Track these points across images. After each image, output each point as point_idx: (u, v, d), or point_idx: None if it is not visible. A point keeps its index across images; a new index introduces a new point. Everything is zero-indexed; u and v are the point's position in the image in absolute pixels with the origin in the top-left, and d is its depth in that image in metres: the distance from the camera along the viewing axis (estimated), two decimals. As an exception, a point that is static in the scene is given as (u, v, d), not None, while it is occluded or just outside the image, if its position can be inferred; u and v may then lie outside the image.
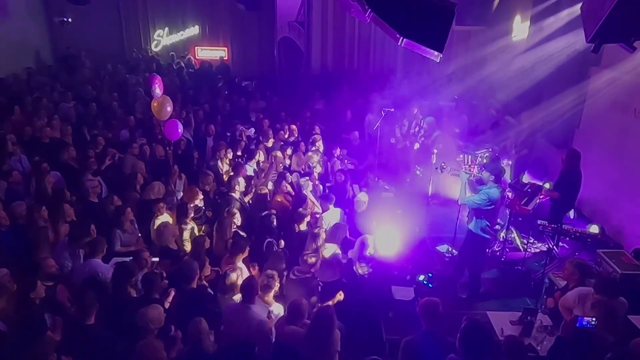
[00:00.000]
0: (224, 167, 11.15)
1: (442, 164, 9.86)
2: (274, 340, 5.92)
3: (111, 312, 5.99)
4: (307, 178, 10.27)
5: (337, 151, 12.32)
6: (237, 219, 8.48)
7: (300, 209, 8.82)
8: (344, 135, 13.97)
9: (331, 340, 5.56)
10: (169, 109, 10.78)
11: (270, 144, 12.57)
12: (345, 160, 12.35)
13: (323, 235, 7.91)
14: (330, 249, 7.69)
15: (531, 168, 12.52)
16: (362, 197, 9.54)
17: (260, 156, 11.51)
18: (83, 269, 6.95)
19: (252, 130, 13.66)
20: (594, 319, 5.76)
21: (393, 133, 13.73)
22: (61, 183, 9.52)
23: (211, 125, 13.09)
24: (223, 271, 7.09)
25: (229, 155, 11.44)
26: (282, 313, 6.33)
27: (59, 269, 6.82)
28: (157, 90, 10.80)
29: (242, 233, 8.33)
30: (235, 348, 5.70)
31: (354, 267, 7.89)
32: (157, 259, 7.58)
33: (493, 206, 8.31)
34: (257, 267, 7.40)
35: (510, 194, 9.98)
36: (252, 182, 10.12)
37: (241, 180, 9.70)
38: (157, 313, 5.60)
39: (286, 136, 13.15)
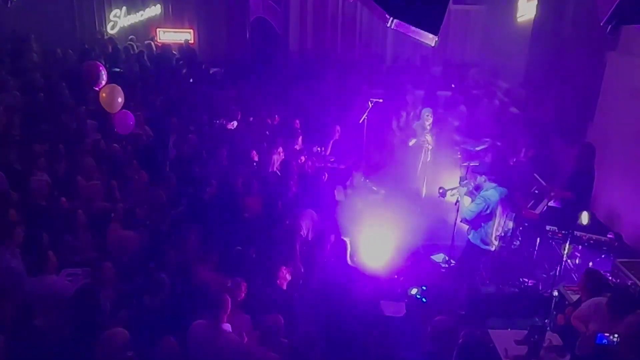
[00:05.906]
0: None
1: (441, 189, 9.69)
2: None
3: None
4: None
5: (314, 148, 12.24)
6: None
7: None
8: (325, 129, 13.94)
9: None
10: (120, 100, 10.73)
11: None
12: (317, 150, 12.31)
13: None
14: None
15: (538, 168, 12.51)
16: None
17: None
18: (34, 286, 6.85)
19: (235, 123, 13.54)
20: (616, 335, 5.71)
21: (383, 126, 13.66)
22: (3, 184, 9.39)
23: (173, 118, 12.98)
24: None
25: None
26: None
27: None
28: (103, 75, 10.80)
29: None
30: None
31: None
32: None
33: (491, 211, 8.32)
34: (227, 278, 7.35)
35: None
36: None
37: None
38: (123, 336, 5.50)
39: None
